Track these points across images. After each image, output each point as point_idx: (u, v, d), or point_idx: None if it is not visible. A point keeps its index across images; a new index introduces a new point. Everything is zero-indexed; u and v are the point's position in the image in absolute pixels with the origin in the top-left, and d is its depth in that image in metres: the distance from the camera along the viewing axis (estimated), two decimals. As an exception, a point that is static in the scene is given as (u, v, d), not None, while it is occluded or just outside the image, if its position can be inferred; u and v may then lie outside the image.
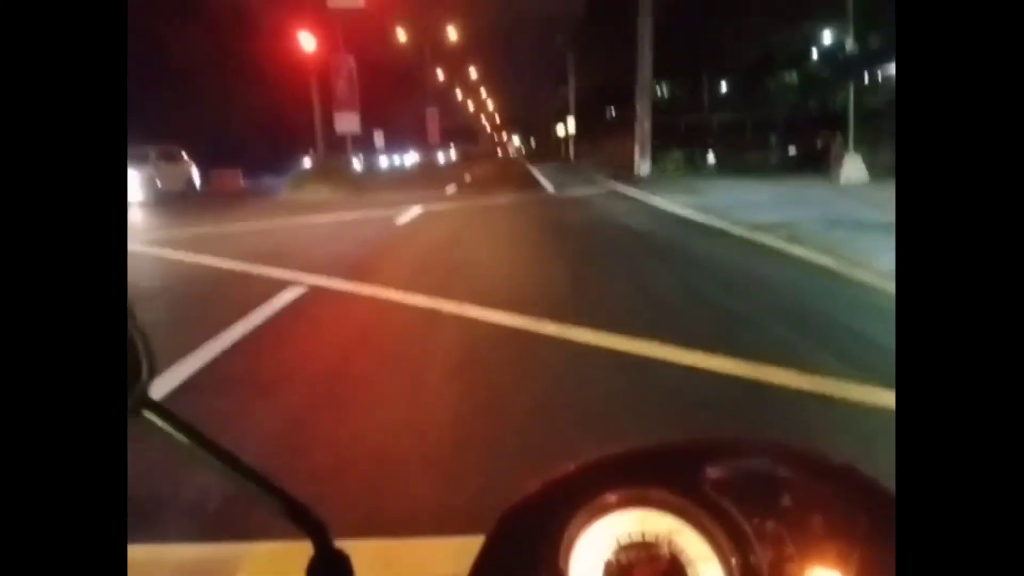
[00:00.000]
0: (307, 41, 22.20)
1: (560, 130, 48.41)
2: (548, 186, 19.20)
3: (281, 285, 5.62)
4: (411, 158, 42.70)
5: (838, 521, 0.46)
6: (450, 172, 33.24)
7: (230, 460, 0.42)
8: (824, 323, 4.13)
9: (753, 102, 28.57)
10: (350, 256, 7.63)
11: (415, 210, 12.54)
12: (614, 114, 39.01)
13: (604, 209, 12.31)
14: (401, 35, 43.92)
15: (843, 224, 8.30)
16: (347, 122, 24.33)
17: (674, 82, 35.82)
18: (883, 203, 10.59)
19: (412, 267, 6.72)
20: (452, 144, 64.16)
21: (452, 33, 52.33)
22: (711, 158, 21.51)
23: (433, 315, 4.59)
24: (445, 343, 3.97)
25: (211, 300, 5.51)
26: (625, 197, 14.87)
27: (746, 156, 22.82)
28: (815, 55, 28.83)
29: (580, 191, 16.59)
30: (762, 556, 0.45)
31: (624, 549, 0.46)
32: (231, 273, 6.66)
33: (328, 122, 23.47)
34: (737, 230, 8.55)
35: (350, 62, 24.52)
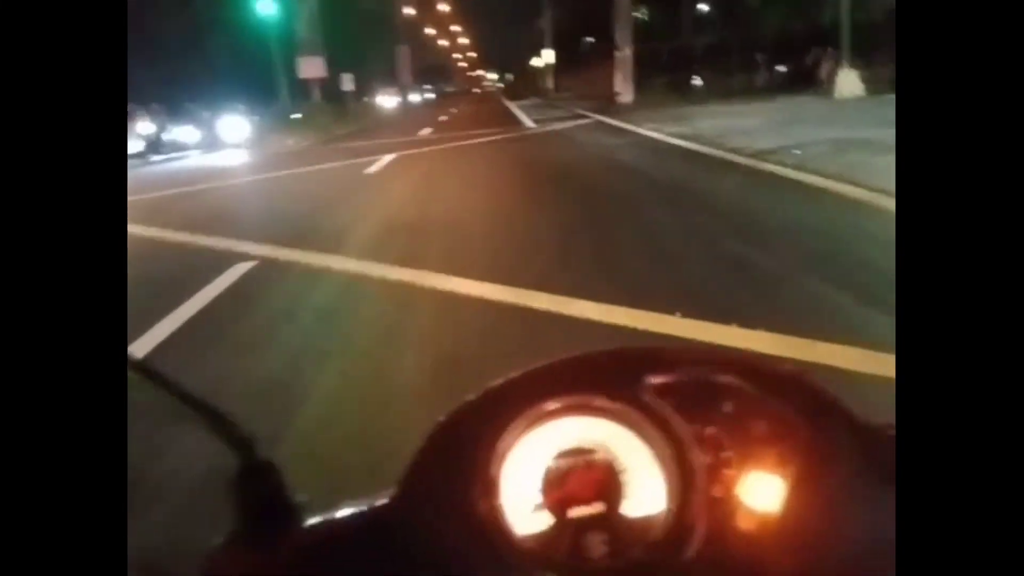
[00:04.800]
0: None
1: (537, 64, 46.62)
2: (528, 122, 18.20)
3: (227, 260, 4.83)
4: (389, 101, 40.90)
5: (780, 427, 0.45)
6: (425, 113, 31.85)
7: (144, 366, 0.41)
8: (866, 271, 3.44)
9: (737, 22, 27.21)
10: (310, 218, 6.81)
11: (387, 157, 11.64)
12: (593, 44, 37.36)
13: (590, 143, 11.46)
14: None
15: (853, 146, 7.56)
16: (312, 67, 23.01)
17: (653, 6, 34.16)
18: (886, 119, 9.85)
19: (381, 228, 5.93)
20: (426, 84, 61.95)
21: (418, -36, 49.78)
22: (697, 83, 20.42)
23: (405, 290, 3.87)
24: (420, 328, 3.28)
25: (136, 285, 4.73)
26: (611, 129, 13.96)
27: (733, 79, 21.77)
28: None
29: (562, 125, 15.65)
30: (700, 460, 0.45)
31: (563, 456, 0.46)
32: (167, 246, 5.72)
33: (292, 67, 22.15)
34: (738, 159, 7.80)
35: (310, 1, 23.03)
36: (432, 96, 55.27)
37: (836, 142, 7.97)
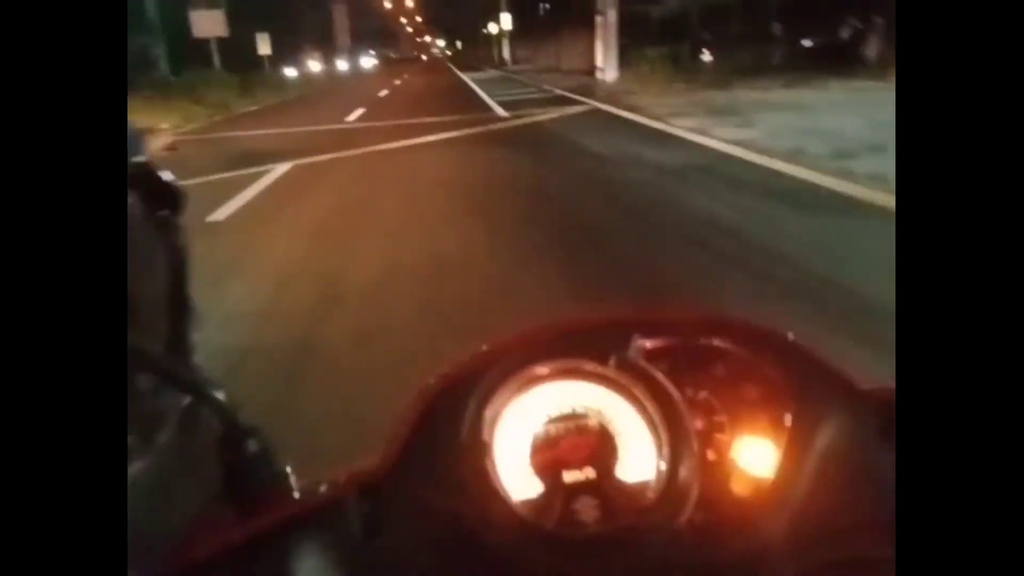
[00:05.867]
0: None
1: (493, 29, 41.65)
2: (493, 104, 13.62)
3: None
4: (317, 68, 35.34)
5: (771, 391, 0.46)
6: (363, 84, 26.69)
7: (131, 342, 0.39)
8: None
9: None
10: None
11: (277, 170, 7.00)
12: (552, 10, 32.67)
13: (609, 150, 7.05)
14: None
15: None
16: (207, 22, 17.80)
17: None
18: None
19: None
20: (368, 49, 56.02)
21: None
22: (706, 58, 16.02)
23: None
24: None
25: None
26: (620, 121, 9.60)
27: (739, 53, 17.56)
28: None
29: (547, 114, 11.14)
30: (692, 425, 0.44)
31: (553, 421, 0.46)
32: None
33: (178, 24, 16.92)
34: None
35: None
36: (374, 63, 49.48)
37: None
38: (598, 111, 11.23)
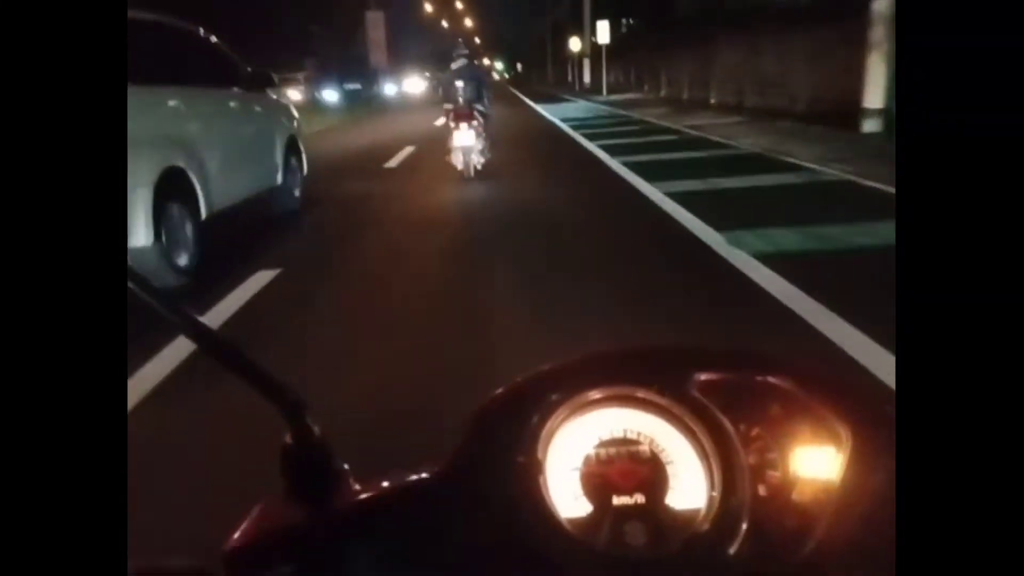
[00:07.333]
0: None
1: (574, 46, 31.74)
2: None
3: None
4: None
5: (826, 431, 0.46)
6: (374, 129, 16.90)
7: (209, 337, 0.41)
8: None
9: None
10: None
11: None
12: (639, 25, 22.69)
13: None
14: None
15: None
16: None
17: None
18: None
19: None
20: (420, 71, 46.62)
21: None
22: None
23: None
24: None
25: None
26: None
27: None
28: None
29: None
30: (744, 460, 0.45)
31: (605, 444, 0.47)
32: None
33: None
34: None
35: None
36: (422, 86, 39.92)
37: None
38: None
